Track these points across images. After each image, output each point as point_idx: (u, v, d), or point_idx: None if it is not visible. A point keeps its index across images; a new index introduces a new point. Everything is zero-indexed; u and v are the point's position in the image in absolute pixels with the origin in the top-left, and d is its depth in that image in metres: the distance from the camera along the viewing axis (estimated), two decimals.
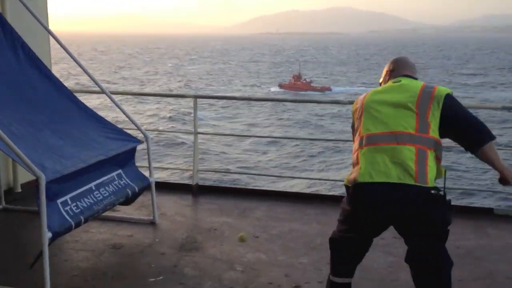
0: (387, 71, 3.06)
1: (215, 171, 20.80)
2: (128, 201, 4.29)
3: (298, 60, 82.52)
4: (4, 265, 3.79)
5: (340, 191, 17.46)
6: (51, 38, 5.18)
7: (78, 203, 3.54)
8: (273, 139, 27.73)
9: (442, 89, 2.66)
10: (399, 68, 3.00)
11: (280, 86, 57.50)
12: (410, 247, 2.65)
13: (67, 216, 3.40)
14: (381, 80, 3.12)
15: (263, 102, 41.94)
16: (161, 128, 30.42)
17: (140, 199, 5.07)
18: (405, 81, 2.84)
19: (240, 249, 4.13)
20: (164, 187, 5.62)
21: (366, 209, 2.60)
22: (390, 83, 2.93)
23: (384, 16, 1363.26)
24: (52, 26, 5.37)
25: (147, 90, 50.69)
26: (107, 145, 4.10)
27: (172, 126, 31.87)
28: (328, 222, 4.74)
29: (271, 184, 18.43)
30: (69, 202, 3.46)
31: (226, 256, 4.02)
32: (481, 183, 19.31)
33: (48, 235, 3.20)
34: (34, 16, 4.54)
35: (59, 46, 4.65)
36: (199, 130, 5.74)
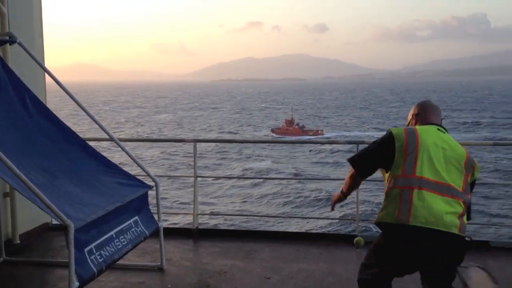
0: (412, 114, 3.26)
1: (215, 214, 20.68)
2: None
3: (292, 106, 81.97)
4: None
5: (338, 228, 17.61)
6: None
7: (102, 251, 3.52)
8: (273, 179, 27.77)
9: (478, 165, 3.07)
10: (425, 111, 3.19)
11: (273, 131, 57.31)
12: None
13: (92, 265, 3.37)
14: (408, 119, 3.30)
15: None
16: (161, 172, 29.94)
17: (142, 245, 5.06)
18: (447, 135, 3.05)
19: None
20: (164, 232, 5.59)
21: (417, 251, 2.80)
22: (434, 128, 3.04)
23: (338, 63, 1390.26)
24: None
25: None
26: (120, 191, 4.12)
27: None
28: (333, 260, 4.86)
29: (270, 225, 18.51)
30: (94, 251, 3.45)
31: None
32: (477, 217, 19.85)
33: (75, 284, 3.18)
34: (39, 64, 4.59)
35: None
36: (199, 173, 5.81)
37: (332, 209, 3.44)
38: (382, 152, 2.98)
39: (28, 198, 3.24)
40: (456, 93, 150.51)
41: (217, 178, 28.48)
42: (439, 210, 2.75)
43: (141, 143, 40.80)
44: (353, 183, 3.15)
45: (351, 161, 3.10)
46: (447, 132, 3.11)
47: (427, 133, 2.98)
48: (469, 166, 2.97)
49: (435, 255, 2.81)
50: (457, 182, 2.87)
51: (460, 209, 2.82)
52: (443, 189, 2.81)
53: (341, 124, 65.90)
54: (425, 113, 3.18)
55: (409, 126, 3.21)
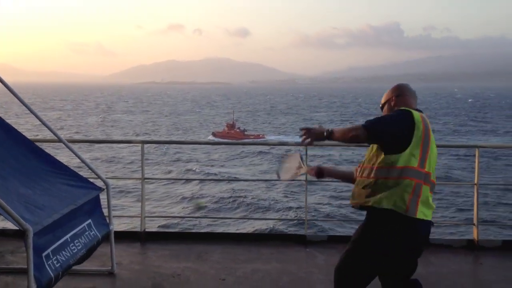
0: (392, 97, 3.13)
1: (162, 216, 20.12)
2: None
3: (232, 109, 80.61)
4: None
5: (288, 229, 17.61)
6: None
7: (58, 256, 3.38)
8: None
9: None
10: (405, 94, 3.11)
11: (214, 134, 56.32)
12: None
13: (49, 270, 3.23)
14: (383, 102, 3.17)
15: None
16: (107, 174, 28.70)
17: None
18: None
19: None
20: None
21: (418, 241, 2.91)
22: (422, 116, 2.91)
23: (261, 67, 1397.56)
24: None
25: None
26: (73, 194, 3.96)
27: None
28: (285, 260, 4.94)
29: (219, 226, 18.31)
30: (51, 256, 3.30)
31: None
32: None
33: None
34: None
35: None
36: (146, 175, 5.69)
37: (311, 143, 2.95)
38: (400, 131, 2.80)
39: None
40: (376, 99, 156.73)
41: (165, 180, 27.92)
42: (431, 203, 2.91)
43: (81, 145, 38.93)
44: (352, 137, 2.80)
45: (367, 123, 2.80)
46: None
47: (429, 124, 2.93)
48: None
49: (424, 244, 2.95)
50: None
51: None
52: (431, 183, 2.92)
53: (277, 129, 66.50)
54: (406, 96, 3.10)
55: (395, 108, 3.05)
